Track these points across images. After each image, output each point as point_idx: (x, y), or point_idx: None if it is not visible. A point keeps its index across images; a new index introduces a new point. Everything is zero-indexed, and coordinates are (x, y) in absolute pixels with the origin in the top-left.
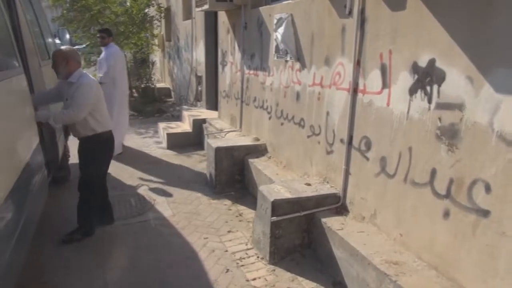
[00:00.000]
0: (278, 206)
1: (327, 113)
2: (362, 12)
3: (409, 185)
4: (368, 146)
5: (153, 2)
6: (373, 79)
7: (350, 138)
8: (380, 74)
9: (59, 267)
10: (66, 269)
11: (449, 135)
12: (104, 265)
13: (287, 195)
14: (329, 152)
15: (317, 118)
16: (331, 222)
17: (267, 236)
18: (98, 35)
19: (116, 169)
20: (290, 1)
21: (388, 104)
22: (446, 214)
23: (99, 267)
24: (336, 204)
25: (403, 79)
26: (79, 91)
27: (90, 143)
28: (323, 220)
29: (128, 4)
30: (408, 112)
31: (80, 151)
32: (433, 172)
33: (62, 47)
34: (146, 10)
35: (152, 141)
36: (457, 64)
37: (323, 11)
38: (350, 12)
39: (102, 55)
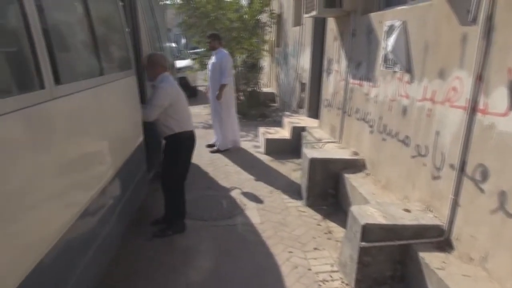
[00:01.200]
0: (369, 231)
1: (437, 133)
2: (489, 19)
3: None
4: (485, 176)
5: (266, 8)
6: (497, 98)
7: (463, 164)
8: (506, 93)
9: (146, 259)
10: (152, 262)
11: None
12: (188, 264)
13: (381, 220)
14: (435, 177)
15: (424, 137)
16: (430, 258)
17: (354, 262)
18: (207, 40)
19: (214, 170)
20: (404, 6)
21: None
22: None
23: (182, 265)
24: (439, 238)
25: None
26: (155, 93)
27: (171, 143)
28: (421, 254)
29: (242, 10)
30: None
31: (164, 151)
32: None
33: (155, 53)
34: (259, 17)
35: (250, 145)
36: None
37: (441, 18)
38: (475, 19)
39: (214, 59)
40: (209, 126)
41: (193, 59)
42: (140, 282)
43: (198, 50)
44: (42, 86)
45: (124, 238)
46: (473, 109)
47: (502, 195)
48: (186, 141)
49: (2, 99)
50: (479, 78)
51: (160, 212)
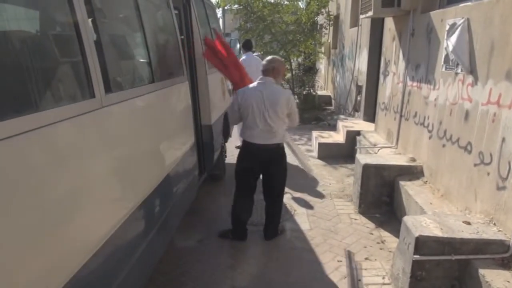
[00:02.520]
0: (423, 244)
1: (503, 140)
2: None
3: None
4: None
5: (322, 10)
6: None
7: None
8: None
9: (196, 261)
10: (201, 264)
11: None
12: (235, 268)
13: (437, 232)
14: (500, 188)
15: (488, 144)
16: (492, 277)
17: (407, 276)
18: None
19: None
20: (468, 3)
21: None
22: None
23: (230, 269)
24: (503, 254)
25: None
26: (291, 99)
27: (282, 150)
28: (482, 271)
29: (299, 13)
30: None
31: (277, 159)
32: None
33: (278, 58)
34: (316, 19)
35: (303, 149)
36: None
37: (510, 14)
38: None
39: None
40: None
41: None
42: (188, 283)
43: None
44: (92, 95)
45: (174, 240)
46: None
47: None
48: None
49: (54, 108)
50: None
51: (212, 215)
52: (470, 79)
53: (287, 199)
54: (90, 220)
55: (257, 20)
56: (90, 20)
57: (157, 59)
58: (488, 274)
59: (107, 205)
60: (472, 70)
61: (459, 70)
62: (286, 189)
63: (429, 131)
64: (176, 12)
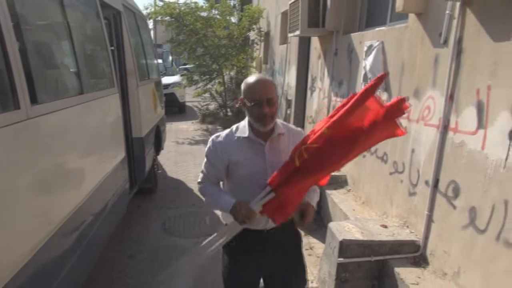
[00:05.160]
0: (346, 247)
1: (412, 150)
2: (459, 41)
3: (502, 244)
4: (456, 192)
5: (253, 26)
6: (467, 117)
7: (436, 181)
8: (475, 112)
9: (127, 277)
10: (133, 280)
11: None
12: (168, 282)
13: (358, 236)
14: (411, 194)
15: (401, 154)
16: (406, 274)
17: (332, 278)
18: None
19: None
20: (382, 28)
21: (482, 148)
22: None
23: (163, 284)
24: (414, 253)
25: (503, 120)
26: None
27: (297, 230)
28: (397, 270)
29: (231, 28)
30: (506, 159)
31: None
32: None
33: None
34: (247, 34)
35: None
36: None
37: (416, 39)
38: (445, 42)
39: None
40: (195, 143)
41: (182, 75)
42: None
43: (188, 66)
44: (17, 106)
45: (104, 256)
46: (445, 128)
47: (472, 211)
48: None
49: None
50: (451, 98)
51: (143, 229)
52: (385, 96)
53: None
54: (13, 239)
55: (190, 33)
56: (13, 26)
57: (86, 70)
58: (402, 272)
59: (32, 221)
60: (386, 88)
61: None
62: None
63: None
64: (106, 22)
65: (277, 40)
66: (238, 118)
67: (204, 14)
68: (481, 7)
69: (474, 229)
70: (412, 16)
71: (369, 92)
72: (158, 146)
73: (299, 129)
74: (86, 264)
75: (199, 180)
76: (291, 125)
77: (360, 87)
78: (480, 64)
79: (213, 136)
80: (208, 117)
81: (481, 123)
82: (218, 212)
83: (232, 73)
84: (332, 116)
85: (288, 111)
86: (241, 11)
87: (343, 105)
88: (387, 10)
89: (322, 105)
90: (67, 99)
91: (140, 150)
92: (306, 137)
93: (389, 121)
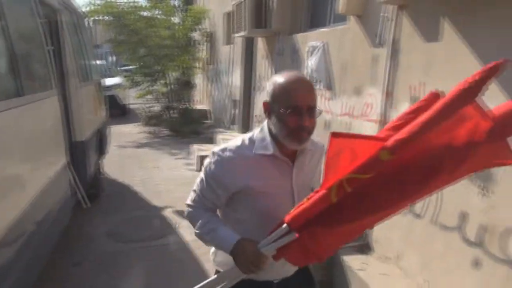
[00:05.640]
0: None
1: None
2: (396, 42)
3: (438, 228)
4: None
5: (195, 27)
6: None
7: None
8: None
9: (74, 286)
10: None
11: (484, 177)
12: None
13: None
14: None
15: None
16: (352, 261)
17: None
18: None
19: (145, 189)
20: (325, 29)
21: None
22: (477, 263)
23: None
24: (361, 242)
25: None
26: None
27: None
28: (344, 257)
29: (174, 28)
30: None
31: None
32: (464, 216)
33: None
34: (193, 34)
35: (183, 163)
36: (495, 102)
37: (356, 40)
38: (382, 42)
39: None
40: (140, 146)
41: (125, 76)
42: None
43: (129, 68)
44: None
45: (48, 265)
46: (383, 123)
47: None
48: None
49: None
50: (388, 95)
51: (89, 235)
52: (328, 94)
53: (170, 212)
54: None
55: (131, 33)
56: None
57: (20, 71)
58: (349, 260)
59: None
60: (330, 87)
61: (319, 86)
62: (169, 203)
63: None
64: (44, 20)
65: (222, 40)
66: (184, 119)
67: (146, 14)
68: (415, 11)
69: (413, 215)
70: (352, 18)
71: (471, 93)
72: (101, 150)
73: (321, 142)
74: (29, 276)
75: (189, 202)
76: (313, 137)
77: None
78: (415, 63)
79: (217, 150)
80: (152, 119)
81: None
82: (167, 214)
83: (175, 74)
84: (394, 129)
85: (233, 111)
86: (185, 11)
87: (414, 111)
88: (329, 12)
89: None
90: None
91: (82, 154)
92: (343, 157)
93: (498, 141)
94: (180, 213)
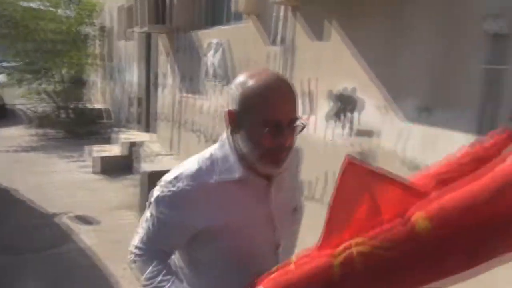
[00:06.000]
0: None
1: None
2: (288, 41)
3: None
4: None
5: (86, 21)
6: (300, 106)
7: None
8: (307, 101)
9: None
10: None
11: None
12: None
13: None
14: None
15: None
16: None
17: None
18: None
19: (40, 196)
20: (227, 27)
21: (314, 131)
22: None
23: None
24: None
25: (326, 106)
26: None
27: None
28: None
29: (60, 21)
30: (324, 137)
31: None
32: None
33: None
34: (84, 29)
35: (76, 165)
36: (373, 95)
37: (252, 38)
38: (275, 40)
39: None
40: (29, 149)
41: (7, 74)
42: None
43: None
44: None
45: None
46: None
47: (309, 185)
48: None
49: None
50: None
51: None
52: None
53: (67, 218)
54: None
55: (11, 25)
56: None
57: None
58: None
59: None
60: (228, 82)
61: (219, 82)
62: (67, 209)
63: (203, 136)
64: None
65: (120, 36)
66: (79, 119)
67: (31, 4)
68: (307, 12)
69: (313, 200)
70: (251, 17)
71: None
72: None
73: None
74: None
75: (132, 248)
76: None
77: (204, 83)
78: (308, 60)
79: (168, 179)
80: (43, 120)
81: (312, 110)
82: (64, 220)
83: (64, 71)
84: (440, 181)
85: (134, 109)
86: (77, 4)
87: (476, 160)
88: (228, 10)
89: (172, 101)
90: None
91: None
92: (358, 196)
93: None
94: (79, 218)
